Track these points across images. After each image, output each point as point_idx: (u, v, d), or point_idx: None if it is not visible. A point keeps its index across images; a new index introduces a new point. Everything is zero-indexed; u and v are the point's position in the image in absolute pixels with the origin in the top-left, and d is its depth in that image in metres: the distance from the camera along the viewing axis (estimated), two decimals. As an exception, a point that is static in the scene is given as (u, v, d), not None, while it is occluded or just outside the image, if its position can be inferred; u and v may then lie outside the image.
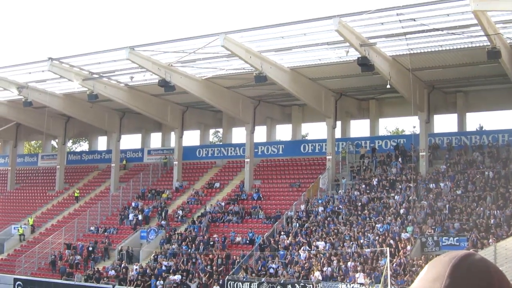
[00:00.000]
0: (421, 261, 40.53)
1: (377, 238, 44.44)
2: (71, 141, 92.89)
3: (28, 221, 66.92)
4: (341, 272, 42.31)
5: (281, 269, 44.93)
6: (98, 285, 51.01)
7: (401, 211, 47.19)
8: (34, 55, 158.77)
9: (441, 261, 2.41)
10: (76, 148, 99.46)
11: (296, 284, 42.26)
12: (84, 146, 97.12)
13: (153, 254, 53.00)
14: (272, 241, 48.90)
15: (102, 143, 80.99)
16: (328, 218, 49.49)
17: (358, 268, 41.88)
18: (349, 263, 42.83)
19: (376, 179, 52.86)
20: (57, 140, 78.54)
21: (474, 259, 2.39)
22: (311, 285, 41.48)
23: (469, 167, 50.67)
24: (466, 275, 2.33)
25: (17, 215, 70.34)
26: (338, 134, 59.92)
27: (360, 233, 45.84)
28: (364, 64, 43.26)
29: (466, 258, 2.38)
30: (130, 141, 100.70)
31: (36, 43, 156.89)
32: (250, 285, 44.16)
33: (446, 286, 2.32)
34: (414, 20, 40.30)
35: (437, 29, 40.94)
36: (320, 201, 52.77)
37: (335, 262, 43.54)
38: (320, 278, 42.08)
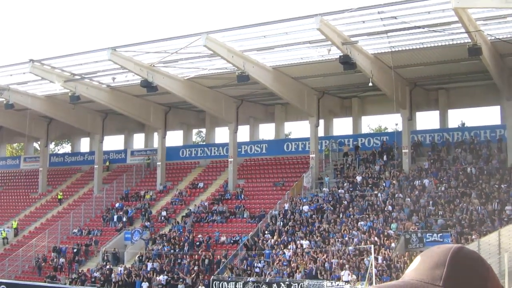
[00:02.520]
0: (405, 258, 40.70)
1: (361, 235, 44.59)
2: (53, 143, 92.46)
3: (12, 224, 66.52)
4: (326, 270, 42.36)
5: (266, 269, 44.96)
6: (83, 287, 50.79)
7: (385, 208, 47.36)
8: (15, 57, 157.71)
9: (437, 252, 2.46)
10: (58, 150, 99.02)
11: (281, 283, 42.32)
12: (66, 148, 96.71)
13: (137, 255, 52.85)
14: (256, 241, 48.93)
15: (84, 144, 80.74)
16: (313, 217, 49.58)
17: (343, 266, 41.99)
18: (334, 261, 42.93)
19: (360, 177, 53.03)
20: (39, 142, 78.06)
21: (469, 249, 2.48)
22: (296, 284, 41.55)
23: (452, 163, 50.96)
24: (466, 263, 2.41)
25: (0, 218, 69.87)
26: (321, 132, 60.07)
27: (344, 231, 45.95)
28: (346, 62, 43.38)
29: (462, 248, 2.46)
30: (113, 142, 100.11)
31: (17, 45, 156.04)
32: (235, 284, 44.17)
33: (448, 273, 2.38)
34: (395, 18, 40.49)
35: (418, 27, 41.12)
36: (304, 200, 52.85)
37: (320, 260, 43.63)
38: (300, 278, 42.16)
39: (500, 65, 47.12)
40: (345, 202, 50.04)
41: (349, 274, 40.63)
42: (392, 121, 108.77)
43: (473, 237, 40.69)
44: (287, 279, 42.59)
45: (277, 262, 45.18)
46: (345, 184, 52.86)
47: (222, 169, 64.18)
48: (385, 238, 43.76)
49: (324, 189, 53.85)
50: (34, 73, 53.38)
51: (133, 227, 57.94)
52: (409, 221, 44.79)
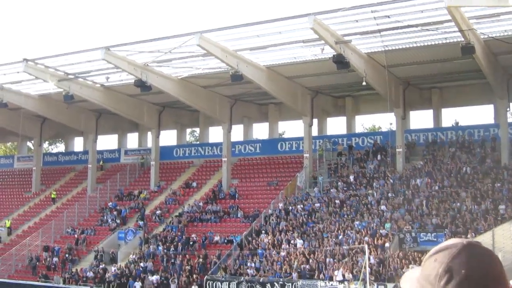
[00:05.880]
0: (399, 258, 40.63)
1: (355, 235, 44.52)
2: (47, 142, 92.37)
3: (5, 223, 66.39)
4: (320, 270, 42.28)
5: (260, 269, 44.87)
6: (76, 286, 50.70)
7: (379, 207, 47.30)
8: (8, 56, 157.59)
9: (451, 244, 2.60)
10: (52, 149, 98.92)
11: (275, 283, 42.24)
12: (60, 147, 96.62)
13: (131, 255, 52.75)
14: (250, 240, 48.84)
15: (78, 144, 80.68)
16: (306, 216, 49.51)
17: (337, 266, 41.91)
18: (328, 261, 42.86)
19: (353, 176, 52.98)
20: (33, 142, 77.95)
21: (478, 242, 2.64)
22: (290, 284, 41.48)
23: (446, 162, 50.93)
24: (480, 251, 2.58)
25: (-6, 218, 69.77)
26: (314, 132, 60.07)
27: (338, 231, 45.88)
28: (340, 61, 43.36)
29: (473, 241, 2.63)
30: (107, 142, 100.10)
31: (10, 44, 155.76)
32: (229, 284, 44.07)
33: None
34: (389, 17, 40.46)
35: (412, 26, 41.13)
36: (298, 199, 52.77)
37: (314, 260, 43.55)
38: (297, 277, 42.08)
39: (493, 63, 47.13)
40: (337, 201, 49.99)
41: (343, 274, 40.54)
42: (386, 120, 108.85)
43: (468, 236, 40.66)
44: (281, 279, 42.52)
45: (271, 262, 45.10)
46: (339, 184, 52.80)
47: (216, 168, 64.11)
48: (379, 238, 43.69)
49: (315, 188, 53.77)
50: (28, 72, 53.25)
51: (127, 227, 57.86)
52: (403, 221, 44.70)
